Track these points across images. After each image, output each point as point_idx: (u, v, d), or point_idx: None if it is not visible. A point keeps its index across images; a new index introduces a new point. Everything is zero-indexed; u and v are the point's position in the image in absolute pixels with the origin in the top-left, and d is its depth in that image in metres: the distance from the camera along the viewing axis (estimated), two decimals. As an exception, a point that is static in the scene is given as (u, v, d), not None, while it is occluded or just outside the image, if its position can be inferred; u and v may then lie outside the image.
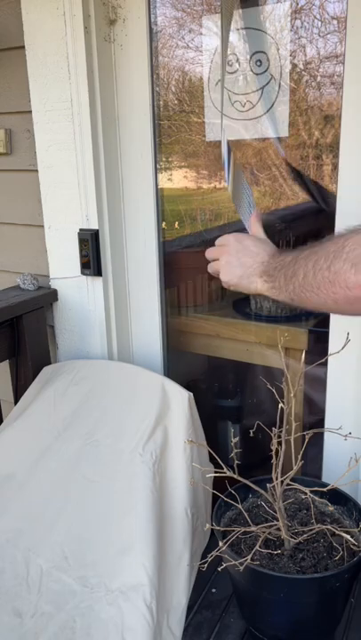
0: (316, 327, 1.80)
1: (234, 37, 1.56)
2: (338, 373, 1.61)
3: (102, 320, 1.83)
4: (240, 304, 2.06)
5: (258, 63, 1.54)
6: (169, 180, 1.86)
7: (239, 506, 1.41)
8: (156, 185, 1.76)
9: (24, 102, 1.74)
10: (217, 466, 1.34)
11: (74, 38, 1.58)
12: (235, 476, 1.31)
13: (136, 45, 1.64)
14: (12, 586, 1.38)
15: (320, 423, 1.69)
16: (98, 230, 1.75)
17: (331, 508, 1.45)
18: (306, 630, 1.37)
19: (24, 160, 1.82)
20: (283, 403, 1.25)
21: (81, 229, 1.76)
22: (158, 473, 1.49)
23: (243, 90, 1.58)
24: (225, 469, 1.30)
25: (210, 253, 1.14)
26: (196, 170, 1.91)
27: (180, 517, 1.49)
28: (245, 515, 1.39)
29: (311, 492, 1.32)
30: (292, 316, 1.91)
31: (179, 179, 1.92)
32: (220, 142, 1.74)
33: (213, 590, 1.61)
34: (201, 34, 1.63)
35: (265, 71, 1.53)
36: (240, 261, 1.06)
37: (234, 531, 1.33)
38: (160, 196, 1.79)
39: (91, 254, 1.76)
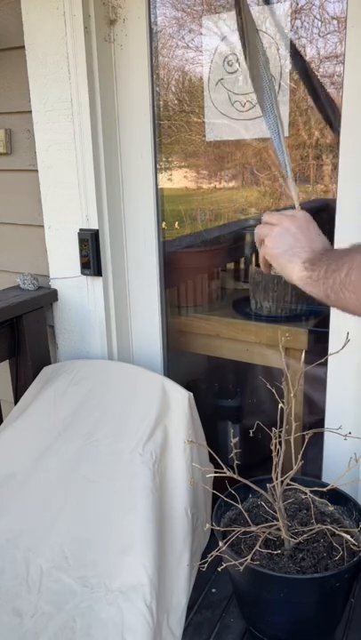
0: (316, 327, 1.80)
1: (234, 37, 1.56)
2: (338, 373, 1.61)
3: (102, 320, 1.83)
4: (240, 304, 2.07)
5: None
6: (169, 179, 1.87)
7: (239, 506, 1.41)
8: (156, 185, 1.76)
9: (24, 102, 1.74)
10: (217, 466, 1.34)
11: (74, 38, 1.58)
12: (235, 476, 1.31)
13: (136, 45, 1.64)
14: (12, 586, 1.38)
15: (320, 423, 1.69)
16: (98, 230, 1.75)
17: (331, 507, 1.45)
18: (306, 630, 1.37)
19: (24, 160, 1.82)
20: (283, 403, 1.25)
21: (81, 229, 1.76)
22: (158, 473, 1.49)
23: (243, 90, 1.58)
24: (225, 469, 1.30)
25: (270, 216, 1.02)
26: (196, 170, 1.91)
27: (180, 517, 1.49)
28: (245, 515, 1.39)
29: (311, 491, 1.32)
30: (292, 316, 1.91)
31: (179, 179, 1.92)
32: (220, 142, 1.74)
33: (213, 590, 1.61)
34: (201, 34, 1.63)
35: (265, 71, 1.53)
36: (295, 237, 0.96)
37: (234, 531, 1.33)
38: (160, 196, 1.79)
39: (91, 254, 1.76)
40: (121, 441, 1.56)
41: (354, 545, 1.30)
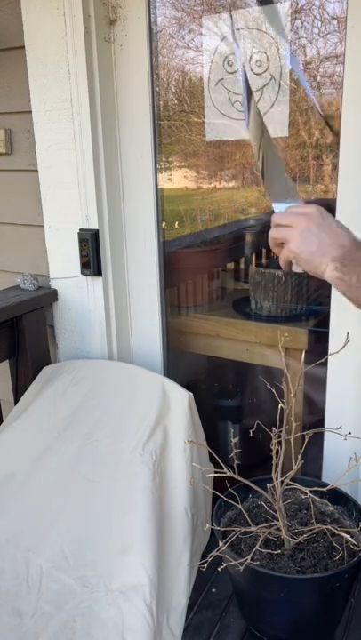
0: (316, 327, 1.80)
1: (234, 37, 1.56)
2: (338, 373, 1.61)
3: (102, 320, 1.83)
4: (240, 304, 2.07)
5: (258, 63, 1.54)
6: (169, 179, 1.87)
7: (239, 506, 1.41)
8: (156, 185, 1.76)
9: (24, 102, 1.74)
10: (217, 466, 1.34)
11: (74, 38, 1.59)
12: (235, 476, 1.31)
13: (136, 45, 1.64)
14: (12, 586, 1.38)
15: (320, 423, 1.69)
16: (98, 230, 1.75)
17: (331, 507, 1.45)
18: (306, 630, 1.37)
19: (24, 160, 1.82)
20: (283, 403, 1.25)
21: (81, 229, 1.76)
22: (158, 473, 1.49)
23: (243, 90, 1.58)
24: (225, 469, 1.30)
25: (283, 218, 0.97)
26: (196, 170, 1.92)
27: (180, 517, 1.49)
28: (245, 515, 1.39)
29: (311, 491, 1.32)
30: (292, 316, 1.91)
31: (179, 179, 1.92)
32: (220, 142, 1.74)
33: (213, 590, 1.61)
34: (201, 34, 1.63)
35: (265, 71, 1.53)
36: (318, 237, 0.91)
37: (234, 531, 1.33)
38: (160, 196, 1.79)
39: (91, 254, 1.76)
40: (121, 441, 1.56)
41: (354, 545, 1.30)
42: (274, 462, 1.29)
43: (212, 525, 1.38)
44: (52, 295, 1.88)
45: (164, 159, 1.80)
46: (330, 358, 1.55)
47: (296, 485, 1.34)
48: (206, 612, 1.54)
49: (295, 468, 1.27)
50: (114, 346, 1.89)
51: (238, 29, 1.54)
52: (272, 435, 1.27)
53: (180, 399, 1.59)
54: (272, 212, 1.01)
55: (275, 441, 1.27)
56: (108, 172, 1.73)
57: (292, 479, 1.31)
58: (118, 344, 1.90)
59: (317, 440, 1.69)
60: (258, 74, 1.55)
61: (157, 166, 1.75)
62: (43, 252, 1.87)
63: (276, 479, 1.30)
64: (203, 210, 2.05)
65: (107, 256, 1.79)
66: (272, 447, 1.28)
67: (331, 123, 1.55)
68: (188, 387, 1.64)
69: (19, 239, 1.93)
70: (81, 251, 1.77)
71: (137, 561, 1.35)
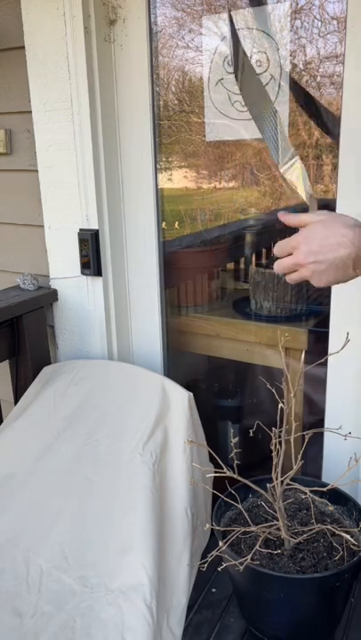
0: (316, 327, 1.80)
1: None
2: (338, 373, 1.61)
3: (102, 320, 1.83)
4: (240, 304, 2.07)
5: (258, 63, 1.54)
6: (169, 180, 1.87)
7: (239, 506, 1.41)
8: (156, 185, 1.76)
9: (24, 102, 1.74)
10: (217, 466, 1.34)
11: (74, 38, 1.59)
12: (235, 476, 1.31)
13: (136, 45, 1.64)
14: (12, 586, 1.38)
15: (320, 423, 1.69)
16: (98, 230, 1.75)
17: (331, 507, 1.45)
18: (306, 630, 1.37)
19: (24, 160, 1.82)
20: (283, 403, 1.25)
21: (81, 229, 1.76)
22: (158, 473, 1.49)
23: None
24: (225, 469, 1.30)
25: (283, 269, 0.94)
26: (196, 170, 1.92)
27: (180, 517, 1.49)
28: (245, 515, 1.39)
29: (311, 491, 1.32)
30: (292, 316, 1.91)
31: (179, 179, 1.92)
32: (220, 142, 1.74)
33: (213, 590, 1.61)
34: (201, 34, 1.63)
35: (265, 71, 1.53)
36: (328, 263, 0.87)
37: (234, 531, 1.33)
38: (160, 196, 1.79)
39: (91, 254, 1.76)
40: (121, 441, 1.56)
41: (354, 545, 1.30)
42: (274, 462, 1.29)
43: (212, 525, 1.38)
44: (52, 295, 1.88)
45: (164, 159, 1.80)
46: (330, 358, 1.55)
47: (296, 485, 1.34)
48: (206, 611, 1.54)
49: (295, 467, 1.27)
50: (114, 346, 1.89)
51: (238, 29, 1.54)
52: (272, 435, 1.27)
53: (180, 399, 1.59)
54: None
55: (275, 441, 1.27)
56: (108, 172, 1.73)
57: (292, 479, 1.31)
58: (118, 344, 1.90)
59: (317, 440, 1.69)
60: (258, 74, 1.54)
61: (157, 166, 1.75)
62: (43, 252, 1.87)
63: (276, 479, 1.30)
64: (203, 210, 2.05)
65: (107, 256, 1.79)
66: (272, 447, 1.28)
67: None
68: (188, 387, 1.64)
69: (19, 239, 1.93)
70: (81, 251, 1.77)
71: (137, 561, 1.35)
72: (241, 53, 1.04)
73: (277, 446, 1.28)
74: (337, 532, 1.31)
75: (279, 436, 1.27)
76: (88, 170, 1.69)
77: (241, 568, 1.24)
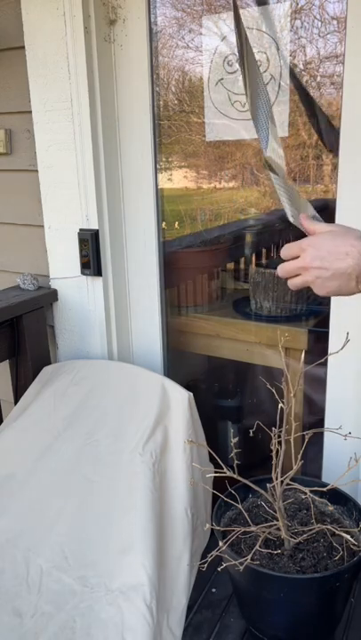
0: (316, 327, 1.80)
1: (233, 37, 1.56)
2: (338, 373, 1.61)
3: (102, 320, 1.83)
4: (240, 304, 2.07)
5: (258, 63, 1.54)
6: (169, 179, 1.87)
7: (239, 506, 1.41)
8: (156, 185, 1.76)
9: (24, 102, 1.74)
10: (217, 466, 1.34)
11: (74, 38, 1.59)
12: (235, 476, 1.31)
13: (136, 45, 1.64)
14: (12, 586, 1.38)
15: (320, 423, 1.69)
16: (98, 230, 1.75)
17: (331, 507, 1.45)
18: (306, 630, 1.37)
19: (24, 160, 1.82)
20: (283, 403, 1.25)
21: (81, 229, 1.76)
22: (158, 473, 1.49)
23: (243, 90, 1.58)
24: (225, 469, 1.30)
25: (286, 272, 0.95)
26: (196, 170, 1.92)
27: (179, 517, 1.49)
28: (245, 515, 1.39)
29: (311, 491, 1.32)
30: (292, 316, 1.92)
31: (179, 179, 1.92)
32: (220, 142, 1.74)
33: (213, 590, 1.61)
34: (201, 34, 1.63)
35: (265, 71, 1.53)
36: (332, 271, 0.88)
37: (234, 531, 1.33)
38: (160, 196, 1.79)
39: (91, 254, 1.76)
40: (121, 441, 1.56)
41: (354, 545, 1.30)
42: (274, 462, 1.29)
43: (212, 525, 1.38)
44: (52, 295, 1.88)
45: (164, 159, 1.80)
46: (330, 358, 1.55)
47: (296, 485, 1.34)
48: (206, 611, 1.54)
49: (295, 467, 1.27)
50: (114, 346, 1.89)
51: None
52: (272, 435, 1.27)
53: (180, 399, 1.59)
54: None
55: (275, 441, 1.27)
56: (108, 172, 1.73)
57: (292, 479, 1.31)
58: (118, 344, 1.90)
59: (317, 440, 1.69)
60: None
61: (157, 166, 1.75)
62: (43, 252, 1.87)
63: (276, 479, 1.30)
64: (203, 210, 2.05)
65: (107, 256, 1.79)
66: (272, 447, 1.28)
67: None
68: (188, 387, 1.64)
69: (19, 239, 1.93)
70: (81, 251, 1.77)
71: (137, 561, 1.35)
72: (243, 32, 1.04)
73: (277, 446, 1.28)
74: (337, 532, 1.31)
75: (279, 436, 1.27)
76: (88, 170, 1.69)
77: (241, 568, 1.24)
